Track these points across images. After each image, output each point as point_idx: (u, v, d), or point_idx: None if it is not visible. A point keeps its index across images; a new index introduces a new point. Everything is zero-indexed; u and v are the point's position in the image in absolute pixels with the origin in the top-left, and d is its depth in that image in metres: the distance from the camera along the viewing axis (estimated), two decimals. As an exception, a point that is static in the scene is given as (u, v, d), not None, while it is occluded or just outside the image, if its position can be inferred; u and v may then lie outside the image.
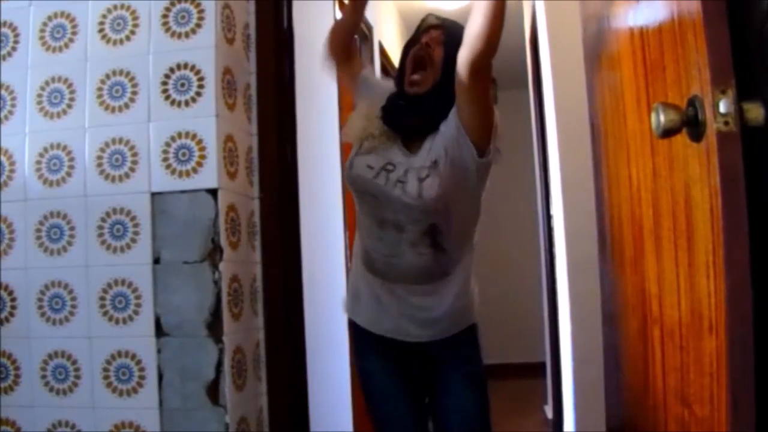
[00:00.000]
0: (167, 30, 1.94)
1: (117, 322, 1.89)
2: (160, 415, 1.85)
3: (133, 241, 1.90)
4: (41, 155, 1.98)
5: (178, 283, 1.86)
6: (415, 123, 1.62)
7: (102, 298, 1.90)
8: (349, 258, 2.68)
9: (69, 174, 1.96)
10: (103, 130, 1.95)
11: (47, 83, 1.99)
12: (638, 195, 1.36)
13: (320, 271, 2.62)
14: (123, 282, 1.90)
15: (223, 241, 1.87)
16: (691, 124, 0.93)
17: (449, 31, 1.61)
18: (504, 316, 5.62)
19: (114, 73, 1.96)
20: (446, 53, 1.57)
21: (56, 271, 1.94)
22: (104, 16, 1.98)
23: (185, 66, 1.92)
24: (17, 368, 1.94)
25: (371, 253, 1.66)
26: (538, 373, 4.60)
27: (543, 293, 4.21)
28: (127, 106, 1.94)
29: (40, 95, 1.99)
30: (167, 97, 1.92)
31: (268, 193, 2.10)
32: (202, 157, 1.88)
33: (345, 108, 2.69)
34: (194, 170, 1.89)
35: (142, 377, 1.87)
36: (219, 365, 1.83)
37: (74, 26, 2.00)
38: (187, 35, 1.93)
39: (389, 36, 4.25)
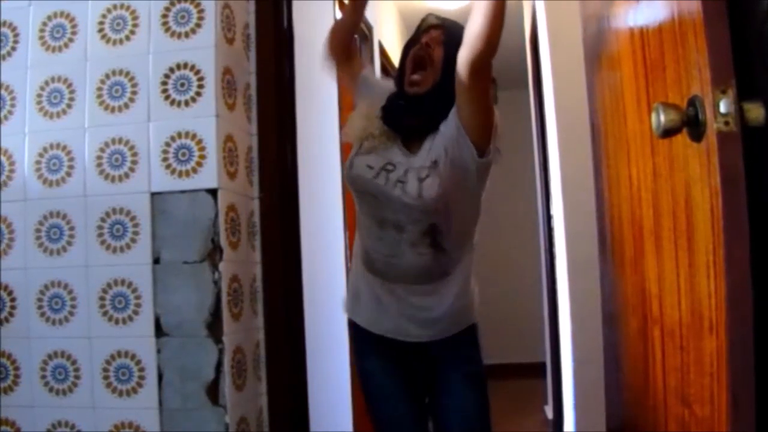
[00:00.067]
0: (167, 30, 1.94)
1: (117, 322, 1.89)
2: (159, 416, 1.85)
3: (133, 241, 1.90)
4: (41, 155, 1.98)
5: (178, 283, 1.86)
6: (415, 123, 1.62)
7: (102, 298, 1.90)
8: (349, 258, 2.68)
9: (69, 174, 1.95)
10: (102, 130, 1.95)
11: (47, 83, 1.99)
12: (638, 195, 1.36)
13: (320, 271, 2.62)
14: (123, 282, 1.90)
15: (223, 241, 1.87)
16: (692, 124, 0.93)
17: (449, 31, 1.61)
18: (504, 316, 5.62)
19: (114, 72, 1.96)
20: (446, 53, 1.57)
21: (56, 271, 1.94)
22: (104, 16, 1.98)
23: (185, 66, 1.92)
24: (17, 368, 1.94)
25: (371, 253, 1.66)
26: (538, 373, 4.59)
27: (543, 293, 4.21)
28: (126, 106, 1.94)
29: (39, 95, 1.99)
30: (167, 97, 1.92)
31: (268, 193, 2.10)
32: (202, 157, 1.88)
33: (345, 108, 2.69)
34: (194, 170, 1.88)
35: (141, 377, 1.87)
36: (219, 365, 1.83)
37: (74, 26, 2.00)
38: (186, 35, 1.93)
39: (389, 36, 4.25)
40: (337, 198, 2.83)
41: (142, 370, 1.87)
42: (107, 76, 1.96)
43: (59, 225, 1.94)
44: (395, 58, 3.68)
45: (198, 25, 1.93)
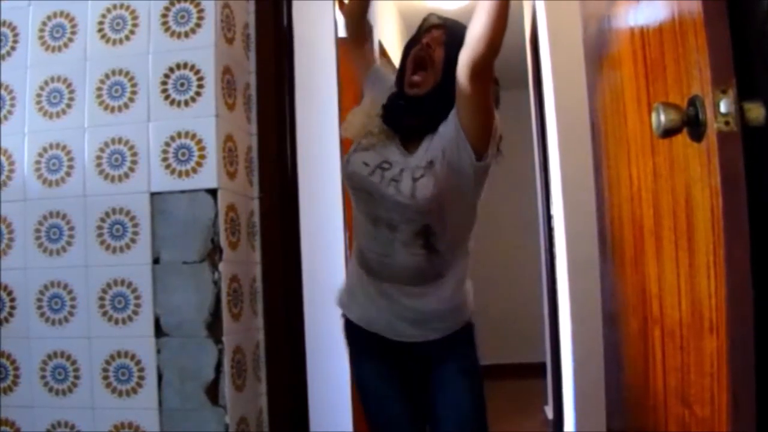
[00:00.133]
0: (167, 30, 1.94)
1: (116, 322, 1.89)
2: (159, 416, 1.85)
3: (133, 241, 1.90)
4: (40, 155, 1.98)
5: (177, 284, 1.86)
6: (415, 123, 1.62)
7: (101, 299, 1.90)
8: (348, 258, 2.68)
9: (68, 174, 1.95)
10: (102, 129, 1.95)
11: (46, 83, 1.99)
12: (639, 195, 1.36)
13: (320, 272, 2.61)
14: (122, 282, 1.89)
15: (223, 241, 1.87)
16: (692, 123, 0.93)
17: (451, 32, 1.60)
18: (504, 316, 5.62)
19: (113, 72, 1.96)
20: (447, 54, 1.56)
21: (55, 272, 1.94)
22: (104, 16, 1.98)
23: (185, 66, 1.92)
24: (16, 368, 1.94)
25: (365, 252, 1.66)
26: (538, 374, 4.59)
27: (543, 293, 4.21)
28: (126, 105, 1.94)
29: (39, 95, 1.99)
30: (167, 97, 1.92)
31: (267, 193, 2.10)
32: (202, 157, 1.88)
33: (345, 108, 2.69)
34: (194, 170, 1.88)
35: (141, 377, 1.87)
36: (219, 365, 1.83)
37: (73, 26, 2.00)
38: (186, 35, 1.93)
39: (389, 36, 4.25)
40: (337, 198, 2.83)
41: (141, 370, 1.87)
42: (107, 76, 1.96)
43: (59, 225, 1.94)
44: (395, 58, 3.67)
45: (198, 25, 1.93)
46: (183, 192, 1.88)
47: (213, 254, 1.86)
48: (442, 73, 1.57)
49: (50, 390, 1.92)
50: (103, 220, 1.92)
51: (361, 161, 1.62)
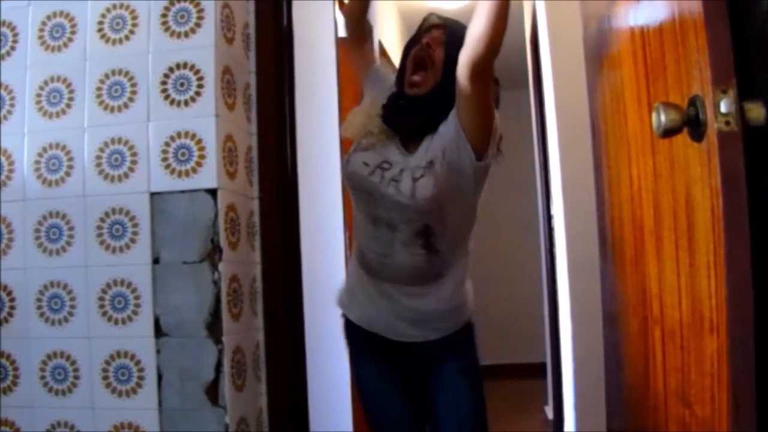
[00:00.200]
0: (166, 29, 1.94)
1: (116, 322, 1.89)
2: (159, 416, 1.85)
3: (133, 241, 1.90)
4: (40, 155, 1.97)
5: (177, 284, 1.86)
6: (415, 123, 1.62)
7: (101, 299, 1.90)
8: (348, 258, 2.68)
9: (68, 174, 1.95)
10: (102, 129, 1.94)
11: (46, 83, 1.99)
12: (639, 195, 1.36)
13: (320, 271, 2.61)
14: (122, 282, 1.89)
15: (223, 242, 1.87)
16: (692, 123, 0.93)
17: (451, 31, 1.60)
18: (504, 316, 5.62)
19: (113, 72, 1.95)
20: (447, 54, 1.56)
21: (55, 272, 1.93)
22: (103, 16, 1.98)
23: (185, 65, 1.91)
24: (16, 369, 1.94)
25: (366, 252, 1.65)
26: (538, 374, 4.59)
27: (543, 293, 4.21)
28: (126, 105, 1.94)
29: (39, 95, 1.99)
30: (166, 97, 1.91)
31: (267, 193, 2.10)
32: (202, 156, 1.88)
33: (345, 108, 2.69)
34: (194, 170, 1.88)
35: (141, 378, 1.87)
36: (218, 366, 1.83)
37: (73, 26, 2.00)
38: (186, 35, 1.93)
39: (389, 36, 4.25)
40: (337, 198, 2.83)
41: (141, 370, 1.87)
42: (107, 76, 1.96)
43: (58, 225, 1.94)
44: (395, 58, 3.67)
45: (197, 25, 1.92)
46: (183, 192, 1.88)
47: (213, 254, 1.86)
48: (442, 73, 1.57)
49: (50, 390, 1.91)
50: (102, 220, 1.92)
51: (361, 161, 1.62)
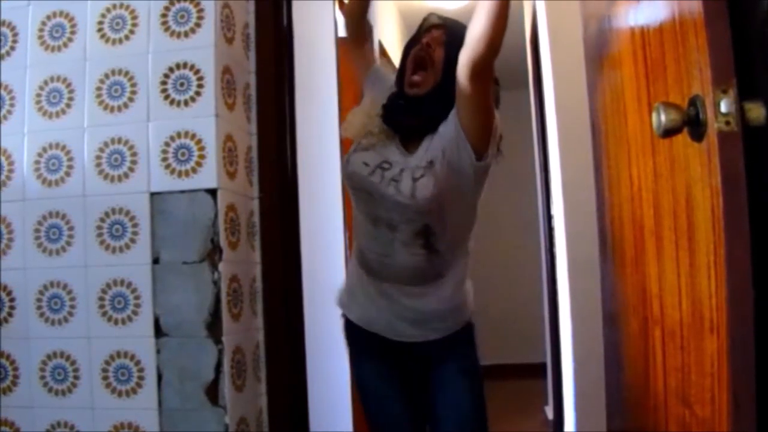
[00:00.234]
0: (166, 29, 1.94)
1: (116, 322, 1.89)
2: (159, 416, 1.85)
3: (132, 241, 1.90)
4: (40, 155, 1.97)
5: (177, 284, 1.86)
6: (414, 123, 1.62)
7: (101, 299, 1.90)
8: (348, 258, 2.68)
9: (68, 174, 1.95)
10: (102, 129, 1.94)
11: (46, 83, 1.99)
12: (639, 195, 1.36)
13: (320, 272, 2.61)
14: (122, 282, 1.89)
15: (223, 242, 1.86)
16: (692, 123, 0.93)
17: (451, 31, 1.60)
18: (504, 316, 5.62)
19: (113, 72, 1.95)
20: (447, 54, 1.56)
21: (55, 272, 1.93)
22: (103, 16, 1.98)
23: (184, 65, 1.91)
24: (16, 369, 1.94)
25: (366, 252, 1.66)
26: (538, 374, 4.59)
27: (543, 293, 4.21)
28: (126, 105, 1.94)
29: (38, 95, 1.99)
30: (166, 97, 1.91)
31: (267, 193, 2.10)
32: (202, 156, 1.88)
33: (345, 108, 2.69)
34: (193, 170, 1.88)
35: (141, 378, 1.87)
36: (218, 366, 1.83)
37: (73, 26, 2.00)
38: (186, 35, 1.93)
39: (389, 36, 4.25)
40: (337, 198, 2.83)
41: (141, 370, 1.87)
42: (106, 76, 1.96)
43: (58, 225, 1.94)
44: (395, 58, 3.67)
45: (197, 25, 1.92)
46: (183, 192, 1.88)
47: (213, 254, 1.85)
48: (442, 73, 1.57)
49: (50, 390, 1.91)
50: (102, 220, 1.92)
51: (361, 161, 1.62)
